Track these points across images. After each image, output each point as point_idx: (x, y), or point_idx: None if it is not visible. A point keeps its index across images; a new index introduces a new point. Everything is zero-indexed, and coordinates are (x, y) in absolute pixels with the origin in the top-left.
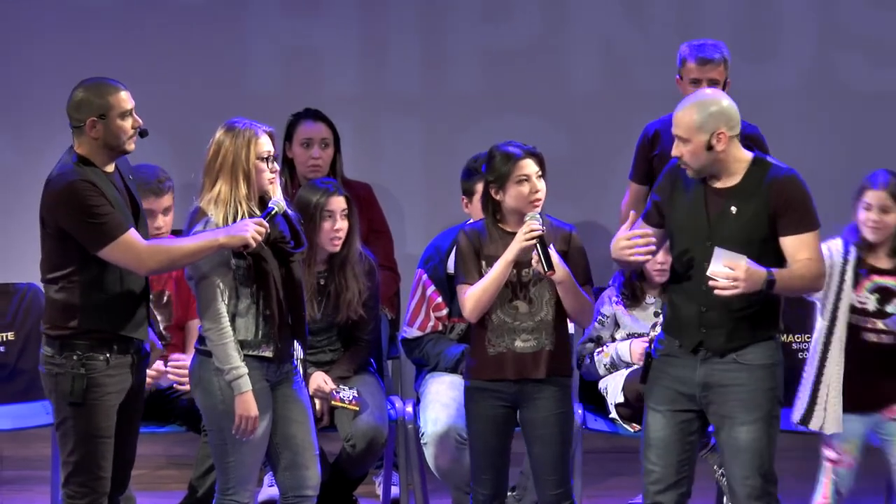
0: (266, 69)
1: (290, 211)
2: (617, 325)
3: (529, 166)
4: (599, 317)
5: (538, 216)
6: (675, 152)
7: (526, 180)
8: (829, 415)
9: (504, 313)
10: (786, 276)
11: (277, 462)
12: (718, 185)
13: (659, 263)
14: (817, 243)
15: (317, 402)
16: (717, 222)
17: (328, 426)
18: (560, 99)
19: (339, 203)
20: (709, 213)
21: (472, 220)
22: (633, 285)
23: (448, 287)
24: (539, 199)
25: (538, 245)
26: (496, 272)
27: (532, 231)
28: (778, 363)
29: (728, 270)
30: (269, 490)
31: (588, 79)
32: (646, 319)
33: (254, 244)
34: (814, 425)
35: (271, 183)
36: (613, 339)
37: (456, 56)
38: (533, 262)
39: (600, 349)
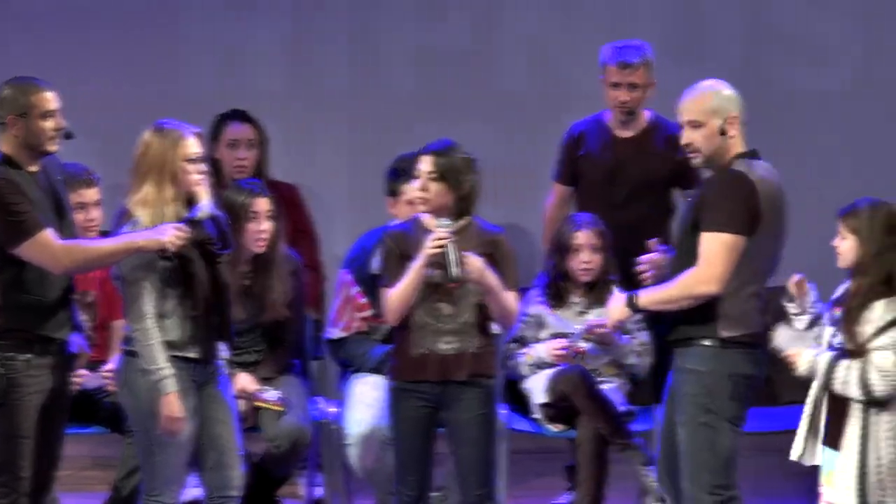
0: (197, 70)
1: (217, 212)
2: (541, 326)
3: (419, 163)
4: (524, 317)
5: (448, 223)
6: (684, 140)
7: (415, 177)
8: (808, 447)
9: (427, 315)
10: (654, 291)
11: (203, 462)
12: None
13: (584, 262)
14: (716, 246)
15: (241, 402)
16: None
17: (252, 427)
18: (488, 99)
19: (263, 204)
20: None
21: (397, 221)
22: (558, 286)
23: (373, 288)
24: (419, 200)
25: (444, 253)
26: (409, 277)
27: (439, 239)
28: (710, 371)
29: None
30: (193, 490)
31: (517, 79)
32: (570, 319)
33: (172, 249)
34: (792, 455)
35: (199, 185)
36: (538, 340)
37: (385, 56)
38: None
39: (524, 350)
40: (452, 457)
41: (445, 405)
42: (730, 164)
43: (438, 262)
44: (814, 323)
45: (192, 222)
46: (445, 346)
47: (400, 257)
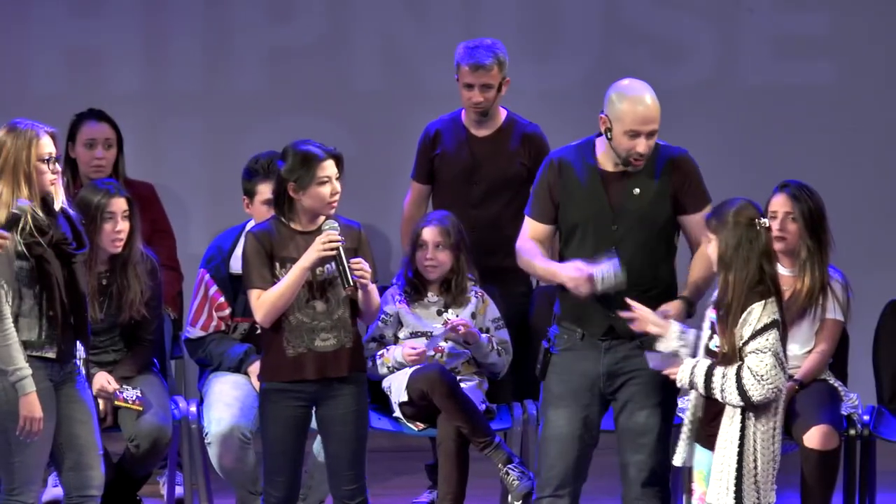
0: (49, 69)
1: (71, 212)
2: (400, 324)
3: (331, 168)
4: (383, 315)
5: (336, 225)
6: (644, 149)
7: (327, 182)
8: (680, 446)
9: (302, 314)
10: (695, 288)
11: (62, 462)
12: (613, 169)
13: (427, 259)
14: None
15: (100, 402)
16: (620, 206)
17: (112, 426)
18: (343, 98)
19: (119, 204)
20: (610, 198)
21: (253, 221)
22: (413, 283)
23: (230, 286)
24: (337, 202)
25: (337, 257)
26: (292, 278)
27: (331, 241)
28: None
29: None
30: (54, 490)
31: (371, 78)
32: (429, 318)
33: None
34: (676, 461)
35: (53, 184)
36: (397, 338)
37: (239, 55)
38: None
39: (383, 350)
40: (325, 452)
41: (321, 402)
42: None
43: (326, 263)
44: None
45: (9, 223)
46: (322, 343)
47: (267, 257)
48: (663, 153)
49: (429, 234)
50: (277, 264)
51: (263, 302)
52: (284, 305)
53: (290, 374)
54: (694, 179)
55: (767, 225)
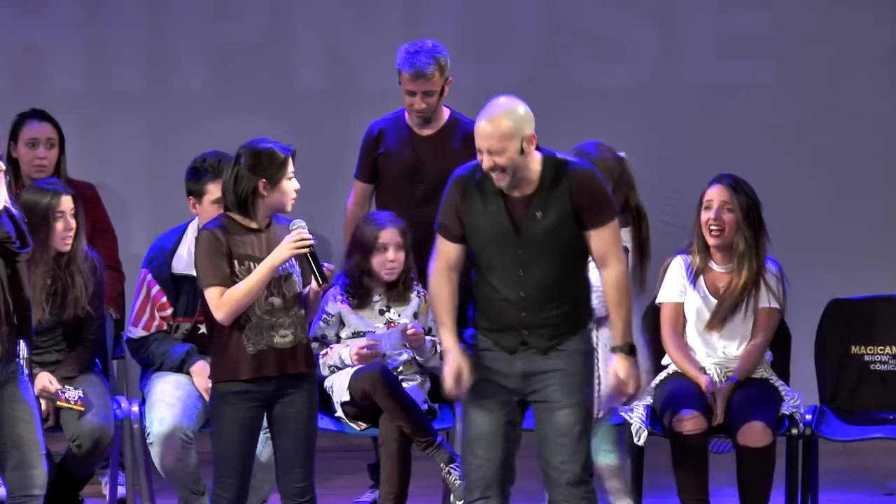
0: None
1: (14, 211)
2: (342, 324)
3: (292, 164)
4: (325, 315)
5: (304, 223)
6: (487, 165)
7: (293, 177)
8: None
9: (261, 311)
10: (625, 325)
11: (4, 462)
12: (517, 193)
13: (389, 262)
14: (616, 234)
15: (42, 402)
16: (524, 229)
17: (54, 426)
18: (285, 97)
19: (68, 203)
20: (515, 222)
21: (199, 220)
22: (362, 284)
23: (173, 286)
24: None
25: (310, 255)
26: (260, 276)
27: (304, 240)
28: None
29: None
30: None
31: (313, 77)
32: (371, 318)
33: None
34: None
35: None
36: (339, 338)
37: (181, 54)
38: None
39: (325, 350)
40: (275, 449)
41: (276, 400)
42: (549, 165)
43: (294, 261)
44: None
45: None
46: (282, 339)
47: (225, 255)
48: (564, 170)
49: (389, 235)
50: (236, 262)
51: (228, 300)
52: (249, 303)
53: (250, 372)
54: (597, 194)
55: (624, 155)
